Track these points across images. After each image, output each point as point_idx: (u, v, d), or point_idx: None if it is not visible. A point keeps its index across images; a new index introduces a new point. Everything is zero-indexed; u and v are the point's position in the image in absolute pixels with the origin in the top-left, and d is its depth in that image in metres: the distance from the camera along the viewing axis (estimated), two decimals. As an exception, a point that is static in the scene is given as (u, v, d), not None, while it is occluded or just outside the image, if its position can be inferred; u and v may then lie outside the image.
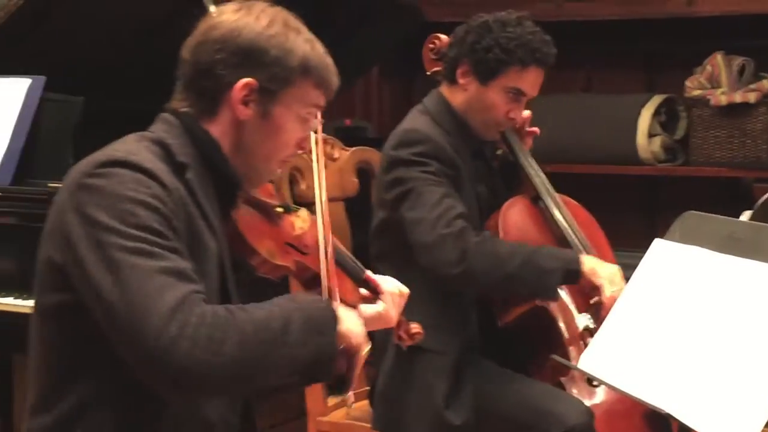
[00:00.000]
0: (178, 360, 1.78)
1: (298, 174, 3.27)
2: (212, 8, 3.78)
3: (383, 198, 3.02)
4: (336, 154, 3.41)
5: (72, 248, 1.87)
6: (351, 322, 2.07)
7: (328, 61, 2.11)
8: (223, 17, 2.07)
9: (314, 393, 3.25)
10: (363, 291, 2.31)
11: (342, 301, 2.17)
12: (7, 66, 3.81)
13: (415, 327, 2.41)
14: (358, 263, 2.36)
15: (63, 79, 3.61)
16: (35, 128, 3.55)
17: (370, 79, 5.71)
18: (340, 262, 2.28)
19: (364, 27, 4.68)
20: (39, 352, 2.00)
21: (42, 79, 3.60)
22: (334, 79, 2.12)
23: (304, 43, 2.07)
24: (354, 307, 2.22)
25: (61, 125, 3.55)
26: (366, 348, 2.10)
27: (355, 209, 3.42)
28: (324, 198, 2.21)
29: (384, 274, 3.02)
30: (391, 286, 2.32)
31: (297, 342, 1.90)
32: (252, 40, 2.03)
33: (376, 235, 3.08)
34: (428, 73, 3.20)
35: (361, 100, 5.81)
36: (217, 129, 2.06)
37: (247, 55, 2.03)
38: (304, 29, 2.10)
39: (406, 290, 2.34)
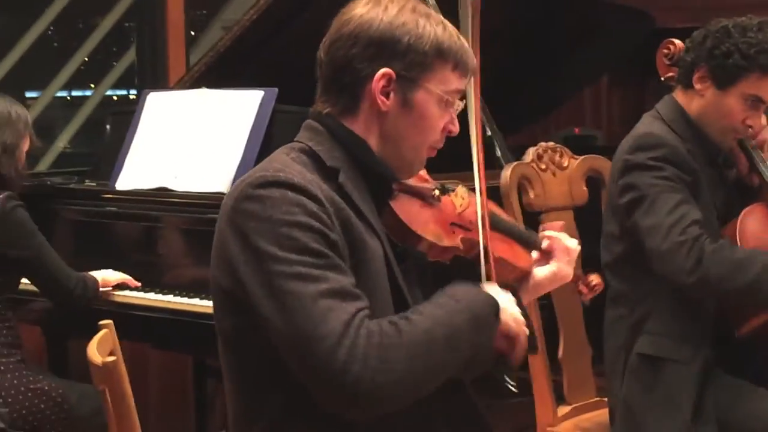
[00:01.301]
0: (351, 384, 1.79)
1: (526, 183, 3.25)
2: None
3: (616, 204, 2.97)
4: (565, 163, 3.37)
5: (237, 275, 1.91)
6: (509, 308, 2.05)
7: (462, 42, 2.09)
8: (353, 12, 2.06)
9: (544, 403, 3.21)
10: (535, 254, 2.32)
11: (513, 266, 2.22)
12: (241, 79, 3.92)
13: (593, 278, 2.41)
14: (526, 229, 2.37)
15: (294, 90, 3.69)
16: (268, 139, 3.64)
17: (600, 87, 5.64)
18: (504, 229, 2.30)
19: (596, 35, 4.63)
20: (229, 373, 2.04)
21: (274, 90, 3.68)
22: (471, 59, 2.10)
23: (435, 27, 2.05)
24: (528, 272, 2.27)
25: (292, 136, 3.60)
26: (525, 330, 2.08)
27: (584, 218, 3.37)
28: (481, 164, 2.20)
29: (618, 283, 2.97)
30: (561, 243, 2.31)
31: (462, 347, 1.92)
32: (383, 31, 2.02)
33: (608, 243, 3.03)
34: (662, 78, 3.13)
35: (590, 109, 5.75)
36: (361, 124, 2.05)
37: (381, 46, 2.01)
38: (434, 13, 2.08)
39: (575, 245, 2.32)
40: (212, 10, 5.94)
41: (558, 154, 3.35)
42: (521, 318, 2.07)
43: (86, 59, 5.64)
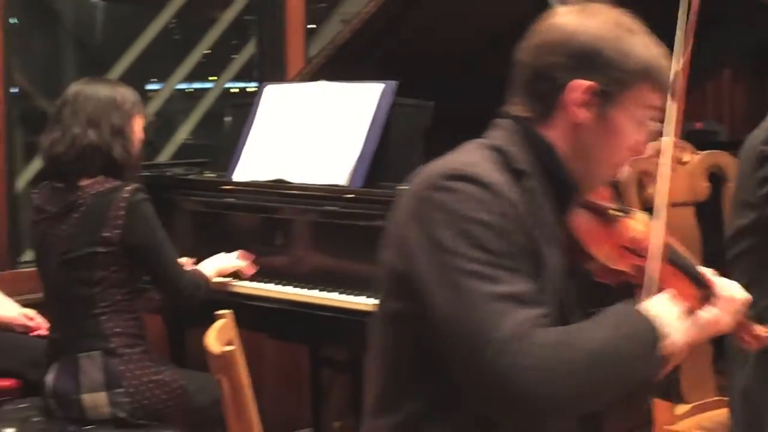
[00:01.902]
0: (512, 389, 1.78)
1: (646, 178, 3.20)
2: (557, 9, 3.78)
3: (749, 199, 2.89)
4: (686, 158, 3.31)
5: (412, 262, 1.89)
6: (675, 332, 1.97)
7: (665, 62, 2.04)
8: (561, 19, 2.03)
9: (662, 402, 3.17)
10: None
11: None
12: (360, 71, 3.93)
13: (760, 329, 2.29)
14: (699, 267, 2.25)
15: (413, 83, 3.68)
16: (387, 132, 3.64)
17: (722, 81, 5.53)
18: (679, 264, 2.20)
19: (719, 28, 4.54)
20: (381, 355, 2.03)
21: (394, 83, 3.68)
22: (670, 78, 2.05)
23: (642, 46, 2.01)
24: (692, 312, 2.12)
25: (411, 129, 3.62)
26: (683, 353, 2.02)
27: (705, 215, 3.31)
28: (665, 199, 2.11)
29: (742, 276, 2.91)
30: (728, 291, 2.20)
31: (626, 367, 1.88)
32: (590, 43, 1.99)
33: (738, 237, 2.95)
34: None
35: (712, 103, 5.64)
36: (553, 133, 2.03)
37: (585, 58, 1.98)
38: (643, 31, 2.04)
39: (745, 296, 2.22)
40: (331, 2, 5.96)
41: (679, 149, 3.30)
42: (683, 343, 2.00)
43: (206, 52, 5.70)
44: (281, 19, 5.21)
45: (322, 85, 3.87)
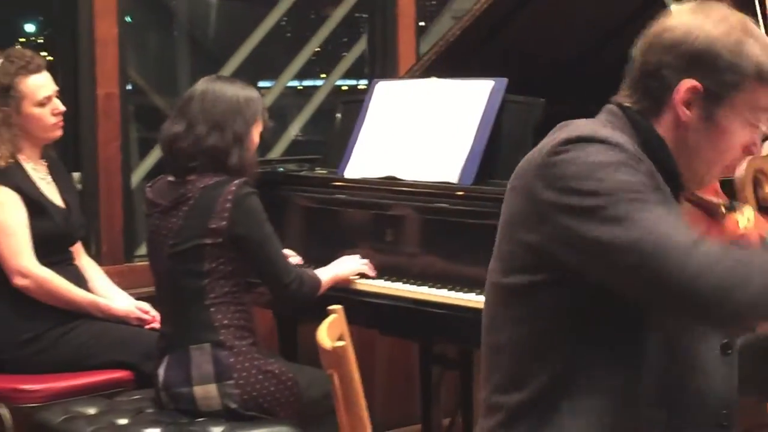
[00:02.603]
0: (704, 293, 1.81)
1: (762, 177, 3.13)
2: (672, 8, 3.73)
3: None
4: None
5: (552, 224, 1.91)
6: None
7: None
8: (679, 19, 2.03)
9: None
10: None
11: None
12: (470, 68, 3.92)
13: None
14: None
15: (524, 80, 3.67)
16: (497, 129, 3.63)
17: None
18: None
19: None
20: (505, 333, 2.04)
21: (504, 81, 3.66)
22: None
23: (756, 48, 2.00)
24: None
25: (522, 127, 3.60)
26: None
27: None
28: None
29: None
30: None
31: None
32: (706, 45, 1.99)
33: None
34: None
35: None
36: (660, 129, 2.04)
37: (698, 59, 1.99)
38: (762, 35, 2.03)
39: None
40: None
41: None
42: None
43: (318, 49, 5.73)
44: (392, 16, 5.22)
45: (433, 81, 3.87)
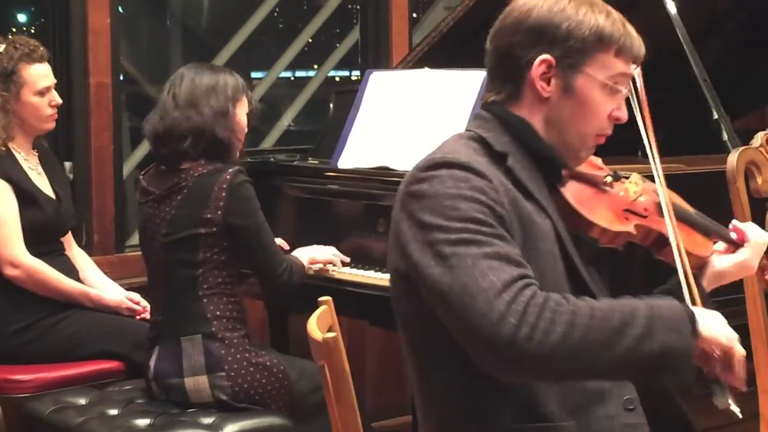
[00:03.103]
0: (506, 339, 1.79)
1: (753, 168, 3.14)
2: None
3: None
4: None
5: (406, 254, 1.95)
6: (714, 324, 1.98)
7: (628, 28, 2.10)
8: (517, 2, 2.11)
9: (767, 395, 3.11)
10: (719, 246, 2.32)
11: (690, 254, 2.18)
12: (463, 59, 3.92)
13: None
14: (708, 218, 2.35)
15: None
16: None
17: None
18: (685, 218, 2.28)
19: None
20: (410, 365, 2.09)
21: (497, 71, 3.66)
22: (637, 44, 2.10)
23: (597, 14, 2.07)
24: (705, 260, 2.27)
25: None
26: (740, 350, 2.00)
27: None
28: (655, 152, 2.19)
29: None
30: (754, 233, 2.33)
31: (641, 335, 1.85)
32: (542, 17, 2.06)
33: None
34: None
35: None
36: (525, 111, 2.09)
37: (540, 33, 2.06)
38: (598, 2, 2.10)
39: (764, 238, 2.35)
40: (436, -10, 5.96)
41: (780, 141, 3.23)
42: (732, 334, 2.00)
43: (310, 40, 5.73)
44: (385, 7, 5.21)
45: (426, 72, 3.86)
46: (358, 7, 5.50)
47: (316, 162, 4.11)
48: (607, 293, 2.11)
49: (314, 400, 3.35)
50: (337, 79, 5.89)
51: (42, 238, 3.82)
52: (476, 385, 1.97)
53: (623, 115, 2.11)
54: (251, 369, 3.40)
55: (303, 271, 3.60)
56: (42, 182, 3.89)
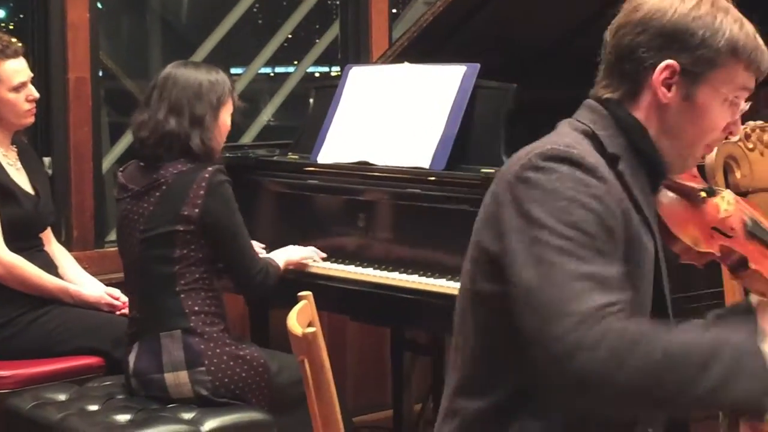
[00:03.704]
0: (575, 368, 1.74)
1: (733, 163, 3.15)
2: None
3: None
4: (775, 142, 3.25)
5: (504, 239, 1.88)
6: None
7: (759, 42, 2.01)
8: None
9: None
10: None
11: None
12: (443, 54, 3.92)
13: None
14: None
15: (496, 65, 3.67)
16: (468, 115, 3.63)
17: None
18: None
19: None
20: (470, 336, 2.01)
21: (476, 66, 3.66)
22: (765, 58, 2.02)
23: (732, 24, 1.98)
24: None
25: (493, 112, 3.60)
26: None
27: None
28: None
29: None
30: None
31: (718, 381, 1.77)
32: (676, 21, 1.97)
33: None
34: None
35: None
36: (640, 113, 2.02)
37: (671, 37, 1.97)
38: (733, 9, 2.01)
39: None
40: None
41: (767, 133, 3.25)
42: None
43: (290, 36, 5.71)
44: (365, 2, 5.21)
45: (405, 67, 3.86)
46: (338, 2, 5.49)
47: (296, 157, 4.11)
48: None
49: (294, 393, 3.35)
50: (317, 74, 5.88)
51: (21, 234, 3.81)
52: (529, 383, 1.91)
53: (737, 129, 2.05)
54: (231, 363, 3.40)
55: (279, 272, 3.60)
56: (21, 178, 3.87)
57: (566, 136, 1.98)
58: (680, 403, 1.81)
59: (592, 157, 1.91)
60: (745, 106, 2.04)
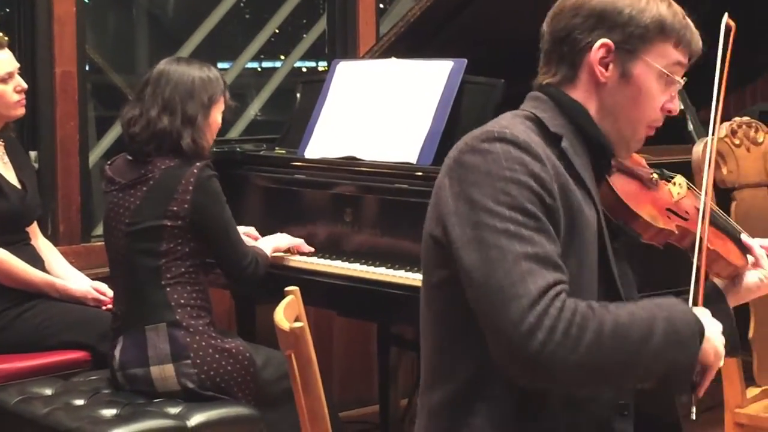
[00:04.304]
0: (532, 351, 1.78)
1: (719, 159, 3.16)
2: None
3: None
4: (760, 138, 3.27)
5: (447, 224, 1.92)
6: (714, 338, 1.99)
7: (688, 21, 2.09)
8: None
9: (732, 384, 3.14)
10: (750, 259, 2.28)
11: (727, 262, 2.20)
12: (430, 49, 3.92)
13: None
14: (739, 228, 2.33)
15: (484, 61, 3.67)
16: (456, 110, 3.63)
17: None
18: (722, 226, 2.28)
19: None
20: (430, 328, 2.05)
21: (463, 61, 3.67)
22: (696, 38, 2.10)
23: (659, 3, 2.06)
24: (740, 271, 2.25)
25: (481, 107, 3.60)
26: (721, 363, 2.02)
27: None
28: (713, 163, 2.21)
29: None
30: None
31: (655, 354, 1.87)
32: (605, 2, 2.04)
33: None
34: None
35: (787, 83, 5.55)
36: (579, 94, 2.07)
37: (601, 16, 2.04)
38: None
39: None
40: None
41: (753, 129, 3.26)
42: (722, 351, 2.01)
43: (277, 30, 5.71)
44: (353, -4, 5.21)
45: (392, 62, 3.86)
46: (325, -3, 5.49)
47: (283, 152, 4.11)
48: (636, 290, 2.14)
49: (280, 388, 3.35)
50: (304, 69, 5.88)
51: (7, 228, 3.80)
52: (488, 363, 1.93)
53: (675, 107, 2.10)
54: (217, 356, 3.40)
55: (267, 261, 3.61)
56: (7, 172, 3.86)
57: (504, 119, 2.04)
58: (629, 376, 1.90)
59: (526, 135, 1.95)
60: (680, 83, 2.10)
